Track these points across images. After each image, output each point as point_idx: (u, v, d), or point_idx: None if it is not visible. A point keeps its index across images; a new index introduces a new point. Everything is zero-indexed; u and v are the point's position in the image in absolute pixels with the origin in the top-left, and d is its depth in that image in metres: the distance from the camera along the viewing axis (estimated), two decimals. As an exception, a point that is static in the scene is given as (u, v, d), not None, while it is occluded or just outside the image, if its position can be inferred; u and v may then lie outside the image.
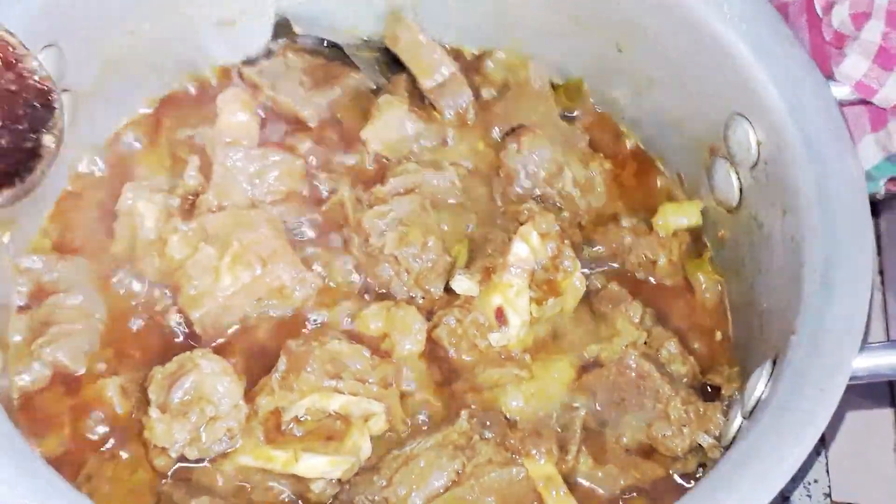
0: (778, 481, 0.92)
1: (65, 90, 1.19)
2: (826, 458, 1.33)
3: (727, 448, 1.07)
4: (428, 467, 1.08)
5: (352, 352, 1.15)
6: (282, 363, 1.12)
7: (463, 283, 1.19)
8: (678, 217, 1.28)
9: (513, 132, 1.31)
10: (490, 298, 1.18)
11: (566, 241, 1.21)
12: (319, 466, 1.08)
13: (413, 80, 1.35)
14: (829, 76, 1.15)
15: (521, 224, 1.21)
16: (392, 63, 1.38)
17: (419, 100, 1.35)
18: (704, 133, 1.25)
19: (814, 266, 1.03)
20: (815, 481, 1.32)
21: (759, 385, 1.03)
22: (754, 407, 1.02)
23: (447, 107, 1.34)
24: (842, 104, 1.14)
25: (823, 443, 1.33)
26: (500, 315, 1.18)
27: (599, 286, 1.23)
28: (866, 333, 0.98)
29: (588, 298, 1.22)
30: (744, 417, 1.05)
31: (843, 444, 1.34)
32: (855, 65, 1.12)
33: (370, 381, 1.14)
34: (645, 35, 1.27)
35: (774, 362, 1.02)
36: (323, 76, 1.36)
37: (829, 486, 1.32)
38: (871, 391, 1.38)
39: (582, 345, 1.19)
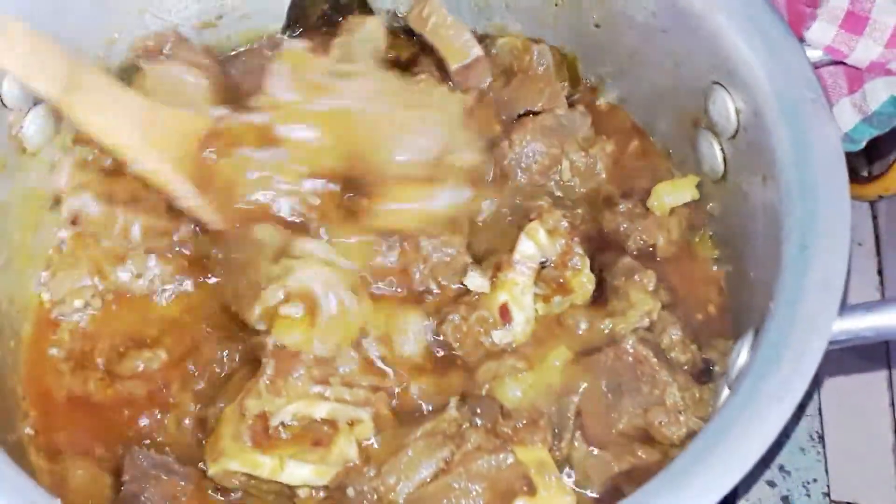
0: (758, 447, 0.90)
1: (38, 102, 1.21)
2: (825, 457, 1.31)
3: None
4: (416, 456, 1.07)
5: (340, 355, 1.14)
6: (269, 367, 1.11)
7: (476, 280, 1.18)
8: (673, 196, 1.25)
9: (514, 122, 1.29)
10: (496, 295, 1.17)
11: (576, 239, 1.19)
12: (304, 475, 1.07)
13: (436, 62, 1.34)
14: (803, 39, 1.13)
15: (531, 220, 1.20)
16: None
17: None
18: (688, 105, 1.23)
19: (791, 229, 1.01)
20: (815, 480, 1.30)
21: (741, 355, 1.01)
22: (738, 377, 1.00)
23: (472, 88, 1.32)
24: (818, 65, 1.12)
25: (822, 442, 1.32)
26: (505, 312, 1.17)
27: (610, 261, 1.22)
28: (845, 296, 0.96)
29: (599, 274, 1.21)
30: (729, 388, 1.03)
31: (841, 444, 1.33)
32: (822, 31, 1.10)
33: (362, 384, 1.13)
34: (619, 8, 1.25)
35: (757, 331, 1.01)
36: None
37: (828, 486, 1.30)
38: (869, 389, 1.38)
39: (584, 329, 1.17)
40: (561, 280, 1.18)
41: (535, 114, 1.29)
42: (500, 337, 1.17)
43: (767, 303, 1.00)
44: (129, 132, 1.13)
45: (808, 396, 1.32)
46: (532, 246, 1.18)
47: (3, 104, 1.16)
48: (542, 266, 1.19)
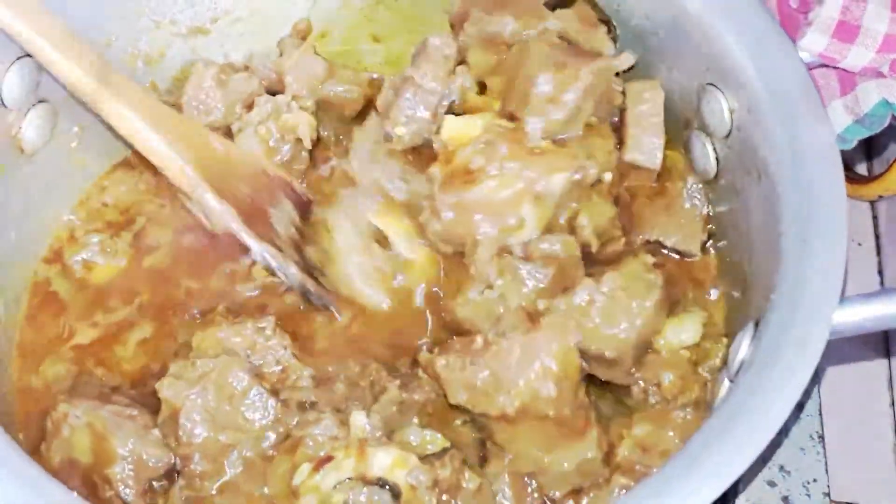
0: (761, 438, 0.91)
1: (42, 101, 1.21)
2: (825, 457, 1.31)
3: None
4: None
5: None
6: None
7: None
8: (680, 332, 1.17)
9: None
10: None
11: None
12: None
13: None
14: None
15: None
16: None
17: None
18: (680, 107, 1.25)
19: (789, 224, 1.03)
20: (815, 480, 1.29)
21: (742, 347, 1.02)
22: (739, 369, 1.01)
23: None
24: (810, 66, 1.14)
25: (822, 442, 1.32)
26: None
27: None
28: (845, 287, 0.98)
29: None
30: (730, 380, 1.04)
31: (841, 444, 1.33)
32: (814, 41, 1.12)
33: None
34: (611, 11, 1.27)
35: (757, 324, 1.02)
36: None
37: (828, 486, 1.29)
38: (869, 389, 1.38)
39: None
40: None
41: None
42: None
43: (767, 295, 1.02)
44: (154, 130, 1.15)
45: (808, 396, 1.34)
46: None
47: (3, 104, 1.15)
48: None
